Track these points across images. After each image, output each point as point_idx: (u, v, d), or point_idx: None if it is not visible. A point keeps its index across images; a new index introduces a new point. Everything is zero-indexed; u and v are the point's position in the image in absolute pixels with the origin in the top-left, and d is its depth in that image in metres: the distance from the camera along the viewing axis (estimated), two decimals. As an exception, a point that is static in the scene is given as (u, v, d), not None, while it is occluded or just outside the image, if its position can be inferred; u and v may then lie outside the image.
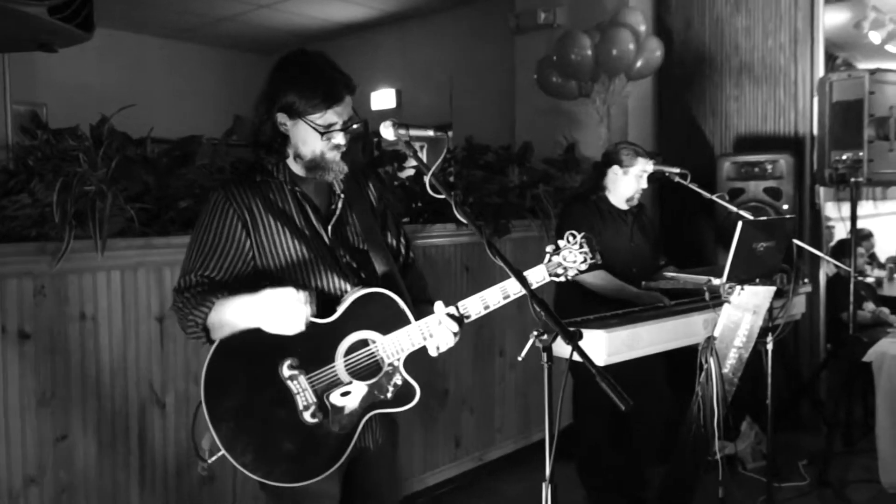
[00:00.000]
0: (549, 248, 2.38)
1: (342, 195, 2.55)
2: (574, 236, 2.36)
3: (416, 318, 2.40)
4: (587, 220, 4.27)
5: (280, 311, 2.22)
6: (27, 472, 3.14)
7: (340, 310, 2.38)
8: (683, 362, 3.94)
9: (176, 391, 3.60)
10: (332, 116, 2.38)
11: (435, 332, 2.37)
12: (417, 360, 2.47)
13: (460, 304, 2.38)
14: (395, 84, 8.86)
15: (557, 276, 2.37)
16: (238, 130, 3.97)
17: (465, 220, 2.31)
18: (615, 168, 4.30)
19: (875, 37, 7.70)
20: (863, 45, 8.37)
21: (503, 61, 7.20)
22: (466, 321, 2.39)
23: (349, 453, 2.40)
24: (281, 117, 2.39)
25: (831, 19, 7.44)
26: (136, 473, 3.48)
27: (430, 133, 2.44)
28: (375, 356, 2.40)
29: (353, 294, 2.41)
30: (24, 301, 3.12)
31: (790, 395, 5.76)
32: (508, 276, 2.27)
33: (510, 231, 5.10)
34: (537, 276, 2.37)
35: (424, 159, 2.51)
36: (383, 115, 2.54)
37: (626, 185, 4.29)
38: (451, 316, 2.36)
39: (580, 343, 2.09)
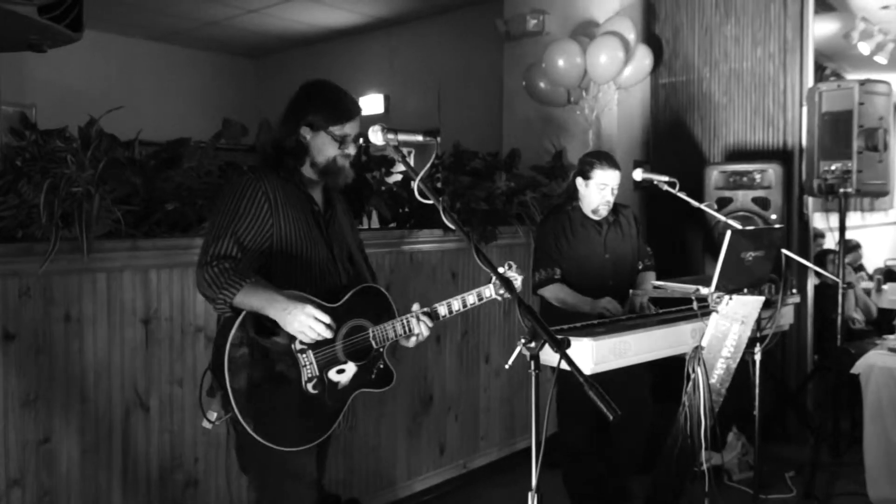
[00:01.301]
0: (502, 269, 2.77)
1: (336, 205, 3.04)
2: (510, 265, 2.85)
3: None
4: (554, 233, 4.31)
5: (298, 321, 2.58)
6: (10, 475, 3.14)
7: (343, 299, 2.81)
8: (669, 372, 3.96)
9: (160, 395, 3.61)
10: (348, 129, 2.88)
11: (413, 326, 2.85)
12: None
13: (433, 306, 2.88)
14: (382, 89, 8.87)
15: (500, 296, 2.82)
16: (226, 133, 3.99)
17: (452, 226, 2.39)
18: (579, 179, 4.32)
19: (864, 48, 7.76)
20: (852, 55, 8.44)
21: (492, 67, 7.23)
22: (439, 319, 2.89)
23: (335, 427, 2.82)
24: (304, 131, 2.87)
25: (820, 29, 7.50)
26: (119, 477, 3.48)
27: (419, 138, 2.53)
28: (367, 341, 2.85)
29: (356, 286, 2.89)
30: (8, 301, 3.13)
31: (777, 406, 5.79)
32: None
33: (497, 237, 5.12)
34: (486, 293, 2.86)
35: (412, 164, 2.55)
36: (371, 120, 2.64)
37: (589, 196, 4.29)
38: (425, 313, 2.85)
39: (567, 351, 2.12)
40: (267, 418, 2.64)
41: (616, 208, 4.44)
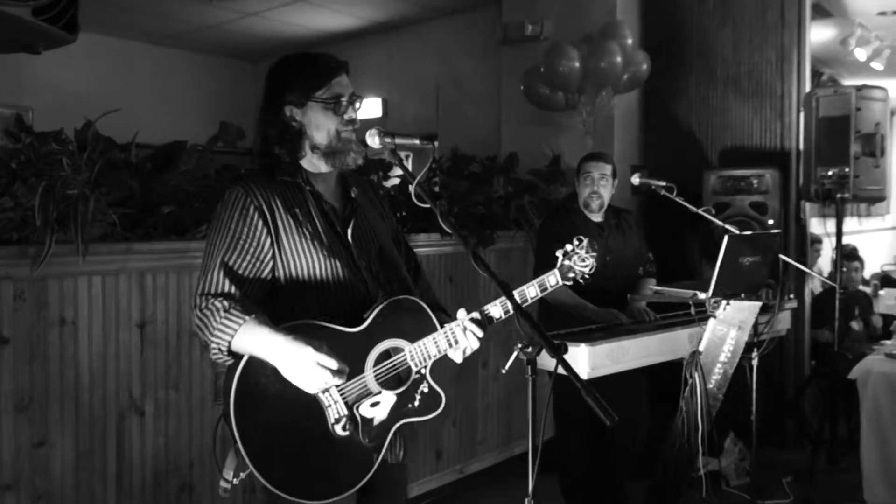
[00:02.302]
0: (559, 253, 2.40)
1: (355, 198, 2.55)
2: (580, 240, 2.38)
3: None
4: (555, 233, 4.30)
5: (298, 371, 2.18)
6: (3, 479, 3.12)
7: (368, 319, 2.36)
8: (666, 377, 3.95)
9: (156, 399, 3.59)
10: (336, 88, 2.41)
11: (460, 338, 2.35)
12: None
13: (484, 308, 2.36)
14: (380, 93, 8.86)
15: (568, 280, 2.39)
16: (223, 136, 3.98)
17: (450, 231, 2.32)
18: (576, 181, 4.38)
19: (861, 54, 7.77)
20: (848, 61, 8.44)
21: (490, 72, 7.22)
22: (492, 323, 2.38)
23: (377, 467, 2.37)
24: (289, 111, 2.41)
25: (817, 35, 7.49)
26: (113, 481, 3.47)
27: (416, 142, 2.46)
28: (404, 365, 2.38)
29: (381, 302, 2.39)
30: (3, 305, 3.11)
31: (774, 412, 5.78)
32: (494, 286, 2.27)
33: (494, 242, 5.11)
34: (551, 280, 2.39)
35: (410, 169, 2.52)
36: (369, 123, 2.53)
37: (580, 190, 4.33)
38: (474, 320, 2.34)
39: (564, 356, 2.10)
40: (290, 471, 2.27)
41: (618, 212, 4.45)
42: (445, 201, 4.92)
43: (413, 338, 2.38)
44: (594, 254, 2.39)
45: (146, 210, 3.51)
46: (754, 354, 3.96)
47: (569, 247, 2.38)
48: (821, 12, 7.07)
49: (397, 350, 2.37)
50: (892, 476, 4.74)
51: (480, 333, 2.35)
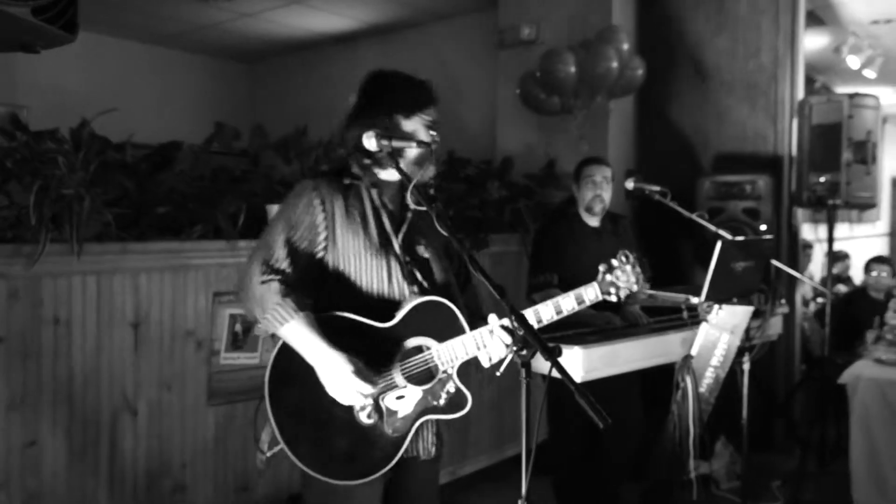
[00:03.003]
0: (602, 267, 2.50)
1: (413, 206, 2.65)
2: (627, 256, 2.50)
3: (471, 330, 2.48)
4: (552, 237, 4.31)
5: (332, 381, 2.34)
6: (-6, 478, 3.11)
7: (399, 315, 2.46)
8: (658, 380, 3.95)
9: (148, 398, 3.59)
10: (434, 114, 2.64)
11: (488, 342, 2.43)
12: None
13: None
14: (377, 95, 8.87)
15: (609, 294, 2.50)
16: (219, 137, 3.97)
17: (446, 233, 2.33)
18: (574, 186, 4.40)
19: (854, 62, 7.80)
20: (841, 69, 8.47)
21: (486, 76, 7.22)
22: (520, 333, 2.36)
23: (400, 457, 2.46)
24: (397, 120, 2.57)
25: (811, 43, 7.53)
26: (105, 481, 3.46)
27: (413, 145, 2.48)
28: (431, 363, 2.47)
29: (413, 301, 2.48)
30: (-4, 304, 3.10)
31: (765, 416, 5.79)
32: (487, 289, 2.27)
33: (488, 245, 5.11)
34: (590, 294, 2.50)
35: (405, 171, 2.52)
36: None
37: (582, 194, 4.34)
38: (503, 328, 2.40)
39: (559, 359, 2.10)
40: (315, 450, 2.40)
41: (615, 218, 4.46)
42: (441, 204, 4.91)
43: (442, 338, 2.47)
44: (640, 272, 2.51)
45: (141, 210, 3.51)
46: (746, 359, 3.97)
47: (614, 261, 2.44)
48: (814, 20, 7.10)
49: (425, 348, 2.48)
50: (880, 479, 4.76)
51: (508, 340, 2.40)
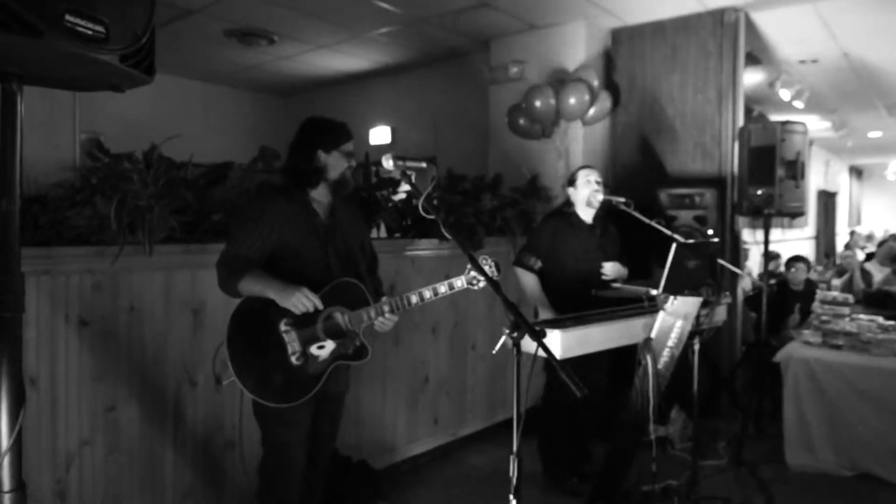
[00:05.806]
0: (468, 268, 2.86)
1: (339, 216, 3.08)
2: (486, 259, 2.87)
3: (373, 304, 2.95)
4: (551, 227, 4.38)
5: (294, 297, 2.74)
6: (82, 436, 3.17)
7: (325, 289, 2.87)
8: (624, 358, 3.99)
9: (205, 372, 3.63)
10: (350, 147, 3.05)
11: (381, 312, 2.93)
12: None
13: (406, 294, 2.91)
14: (389, 123, 8.88)
15: (473, 284, 2.92)
16: (263, 158, 4.02)
17: (450, 237, 2.41)
18: (570, 189, 4.45)
19: (785, 94, 7.83)
20: (775, 100, 8.50)
21: (479, 106, 7.23)
22: (407, 309, 2.94)
23: (318, 389, 2.87)
24: (320, 155, 2.98)
25: (749, 79, 7.57)
26: (171, 439, 3.50)
27: (423, 164, 2.55)
28: (343, 324, 2.91)
29: (335, 280, 2.93)
30: (84, 294, 3.16)
31: (712, 388, 5.82)
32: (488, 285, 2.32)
33: (483, 246, 5.15)
34: (458, 283, 2.92)
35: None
36: (380, 148, 2.69)
37: (580, 193, 4.39)
38: (389, 304, 2.92)
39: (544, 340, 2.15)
40: (260, 382, 2.77)
41: (606, 224, 4.52)
42: (443, 213, 4.95)
43: (352, 307, 2.93)
44: (494, 270, 2.89)
45: (200, 217, 3.54)
46: (696, 341, 3.98)
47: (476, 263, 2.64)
48: (752, 60, 7.12)
49: (341, 313, 2.90)
50: (808, 442, 4.80)
51: (393, 316, 2.96)
